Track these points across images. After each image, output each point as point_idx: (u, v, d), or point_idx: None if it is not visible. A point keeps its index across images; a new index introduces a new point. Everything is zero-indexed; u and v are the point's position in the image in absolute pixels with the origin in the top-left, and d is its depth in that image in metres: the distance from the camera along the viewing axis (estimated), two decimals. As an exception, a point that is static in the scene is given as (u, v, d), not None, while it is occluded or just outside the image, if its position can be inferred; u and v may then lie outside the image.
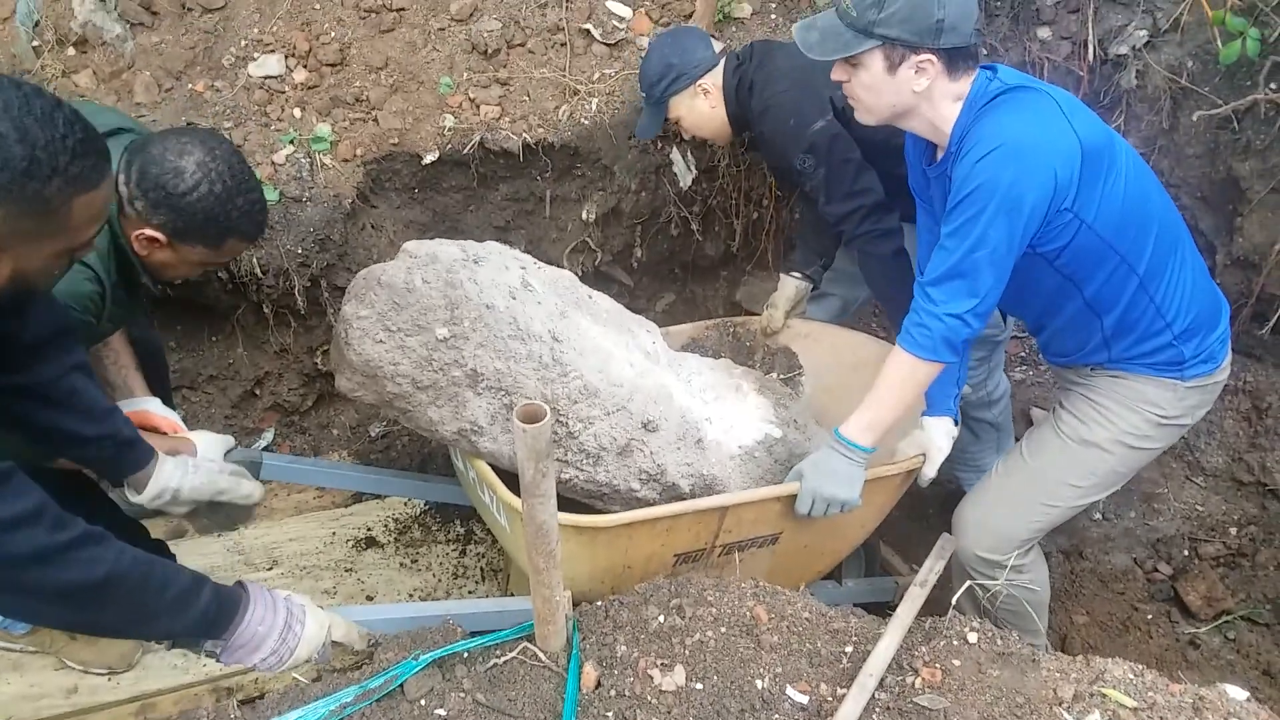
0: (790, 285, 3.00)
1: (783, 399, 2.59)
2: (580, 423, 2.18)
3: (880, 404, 2.23)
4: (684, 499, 2.29)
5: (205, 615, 1.66)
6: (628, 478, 2.25)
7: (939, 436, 2.44)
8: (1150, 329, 2.27)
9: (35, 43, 3.00)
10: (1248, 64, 3.21)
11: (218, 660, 1.76)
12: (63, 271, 1.55)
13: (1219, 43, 3.21)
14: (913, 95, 2.09)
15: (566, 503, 2.11)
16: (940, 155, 2.21)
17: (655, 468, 2.25)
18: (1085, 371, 2.41)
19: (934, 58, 2.04)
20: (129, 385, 2.32)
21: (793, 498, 2.26)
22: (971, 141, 2.05)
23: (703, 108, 2.85)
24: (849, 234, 2.72)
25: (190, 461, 2.11)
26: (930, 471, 2.45)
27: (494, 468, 2.21)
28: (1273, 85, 3.22)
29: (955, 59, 2.07)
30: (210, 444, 2.23)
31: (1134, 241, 2.17)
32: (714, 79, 2.82)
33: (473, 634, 2.00)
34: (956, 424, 2.52)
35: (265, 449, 3.29)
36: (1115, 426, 2.37)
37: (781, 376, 2.82)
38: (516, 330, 2.14)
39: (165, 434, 2.22)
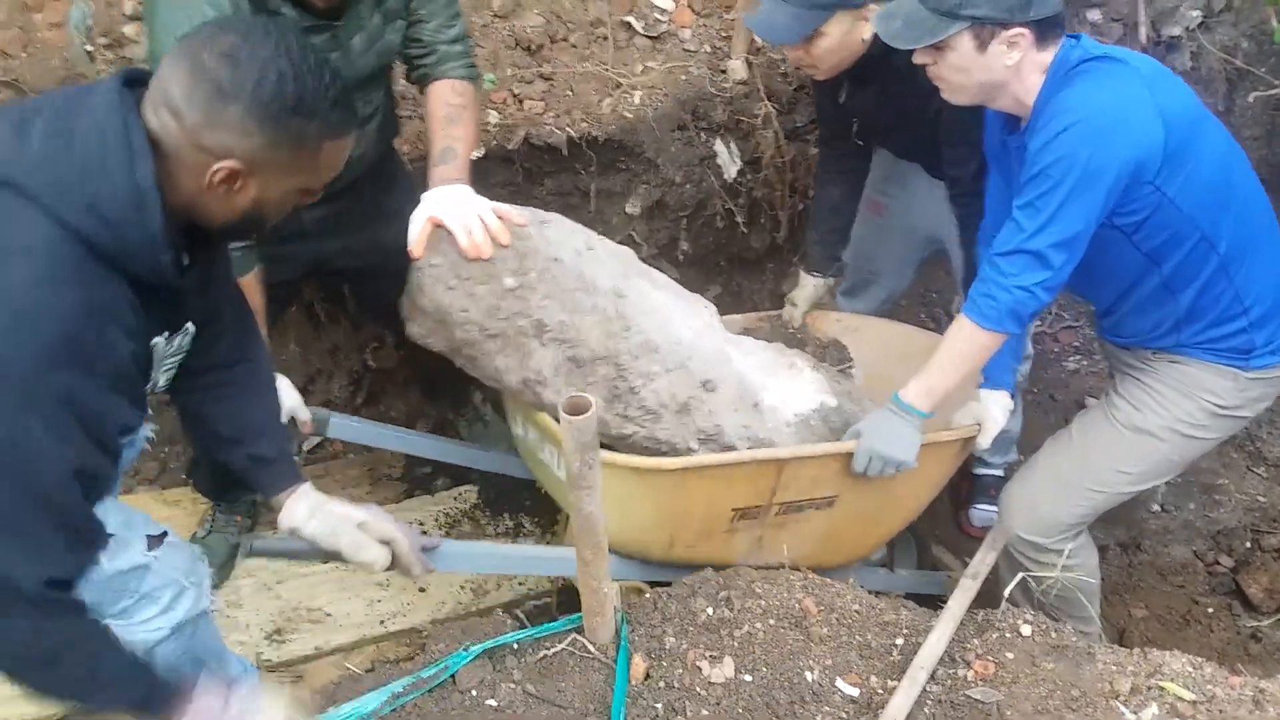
0: (810, 284, 2.96)
1: (837, 377, 2.59)
2: (641, 378, 2.18)
3: (940, 371, 2.22)
4: None
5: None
6: (686, 437, 2.24)
7: (995, 409, 2.40)
8: (1226, 313, 2.22)
9: (89, 47, 3.07)
10: (1306, 43, 3.15)
11: None
12: (287, 212, 1.62)
13: (1275, 21, 3.14)
14: (1004, 70, 2.05)
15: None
16: (1023, 125, 2.16)
17: (713, 427, 2.25)
18: (1146, 355, 2.36)
19: (1025, 30, 2.00)
20: None
21: (850, 456, 2.25)
22: (1050, 114, 2.02)
23: (856, 37, 2.50)
24: (969, 182, 2.62)
25: (325, 506, 1.90)
26: (985, 441, 2.41)
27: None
28: (1333, 64, 3.14)
29: (1045, 29, 2.03)
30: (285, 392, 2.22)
31: (1216, 220, 2.12)
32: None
33: (521, 627, 2.02)
34: (1013, 398, 2.48)
35: (317, 445, 3.33)
36: (1169, 414, 2.31)
37: (834, 368, 2.80)
38: (582, 283, 2.18)
39: None
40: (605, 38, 3.31)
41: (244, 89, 1.40)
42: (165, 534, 1.90)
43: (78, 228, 1.35)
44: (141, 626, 1.92)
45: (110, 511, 1.68)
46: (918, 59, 2.11)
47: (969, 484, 3.30)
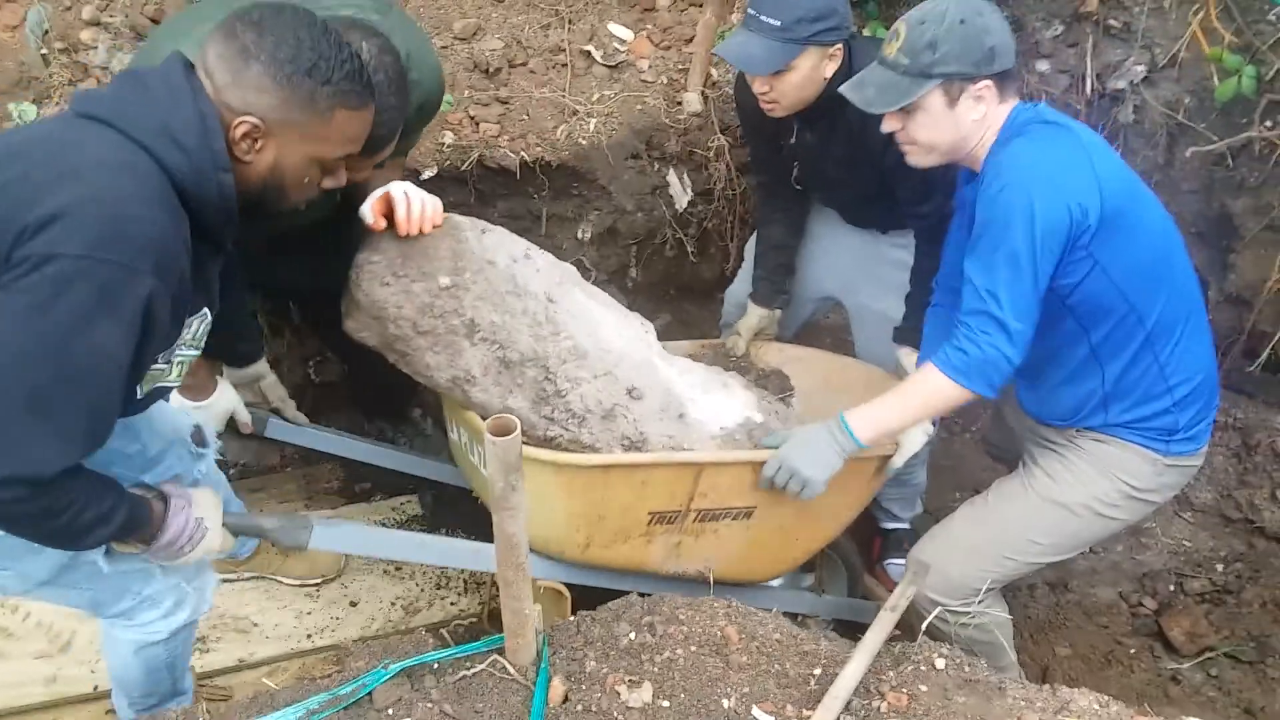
0: (755, 314, 3.01)
1: (769, 399, 2.61)
2: (569, 382, 2.23)
3: (895, 411, 2.24)
4: None
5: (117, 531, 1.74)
6: (610, 442, 2.27)
7: (916, 431, 2.44)
8: (1151, 390, 2.26)
9: (44, 51, 3.06)
10: (1243, 101, 3.23)
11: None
12: (308, 191, 1.74)
13: (1215, 80, 3.23)
14: (971, 125, 2.12)
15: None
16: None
17: (638, 435, 2.28)
18: (1070, 433, 2.39)
19: (990, 83, 2.08)
20: None
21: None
22: (994, 170, 2.09)
23: (823, 73, 2.55)
24: (934, 226, 2.66)
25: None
26: (898, 461, 2.46)
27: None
28: (1268, 123, 3.23)
29: (1005, 81, 2.12)
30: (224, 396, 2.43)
31: (1147, 294, 2.16)
32: (841, 47, 2.58)
33: (444, 647, 2.02)
34: (934, 425, 2.52)
35: (255, 460, 3.31)
36: (1086, 490, 2.35)
37: (774, 396, 2.84)
38: (515, 287, 2.25)
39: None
40: (564, 65, 3.36)
41: (264, 49, 1.59)
42: None
43: (159, 153, 1.54)
44: (141, 629, 2.02)
45: None
46: (887, 126, 2.16)
47: (879, 539, 3.33)
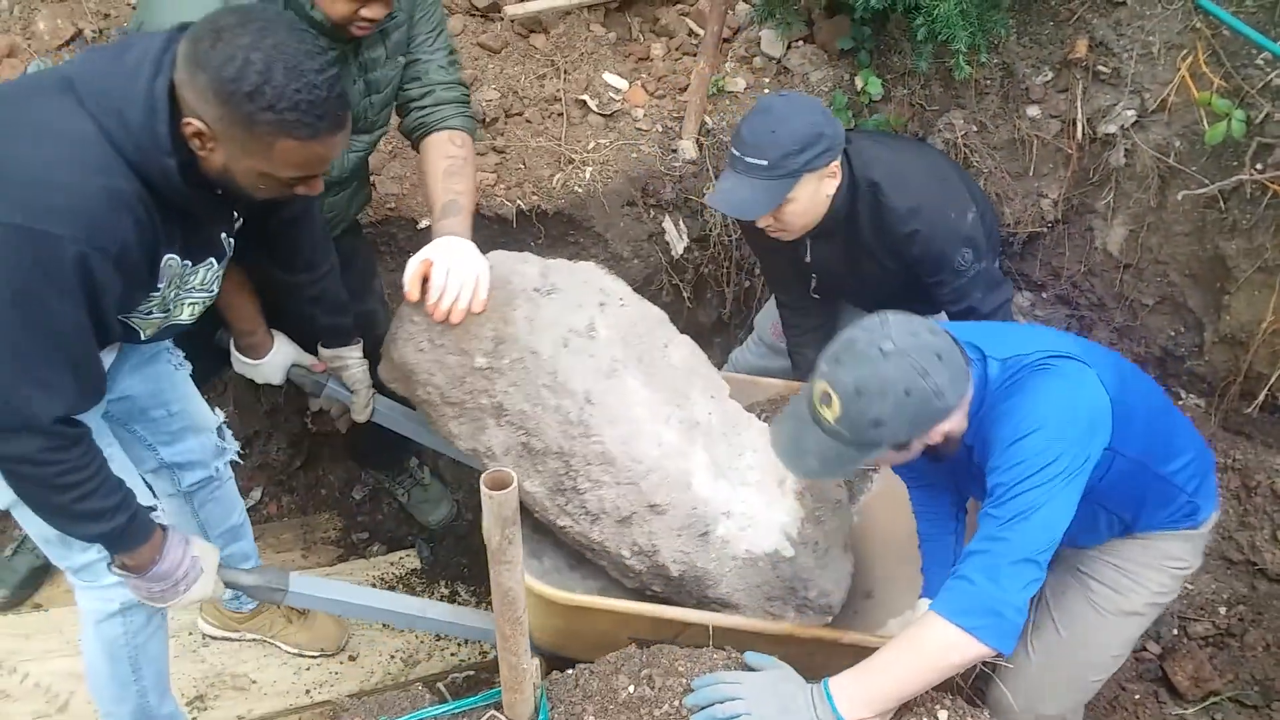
0: None
1: (821, 510, 2.42)
2: (589, 482, 2.17)
3: (898, 678, 1.83)
4: (669, 580, 2.27)
5: (114, 533, 1.86)
6: (620, 545, 2.22)
7: None
8: (1165, 495, 2.22)
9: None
10: (1234, 144, 3.26)
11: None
12: (275, 193, 1.75)
13: (1205, 123, 3.26)
14: (941, 435, 1.93)
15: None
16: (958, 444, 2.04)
17: (650, 545, 2.21)
18: (1112, 544, 2.33)
19: (954, 419, 1.91)
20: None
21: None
22: (1005, 425, 1.91)
23: (824, 193, 2.45)
24: (979, 314, 2.60)
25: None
26: None
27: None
28: (1258, 166, 3.25)
29: (966, 394, 1.94)
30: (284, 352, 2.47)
31: (1126, 440, 2.04)
32: (838, 162, 2.47)
33: (441, 701, 2.00)
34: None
35: (252, 508, 3.30)
36: (1147, 589, 2.31)
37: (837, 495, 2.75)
38: (553, 381, 2.17)
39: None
40: (560, 114, 3.39)
41: (212, 63, 1.57)
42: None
43: (108, 129, 1.59)
44: (99, 593, 2.07)
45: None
46: None
47: None
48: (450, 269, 2.11)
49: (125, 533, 1.86)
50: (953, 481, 2.35)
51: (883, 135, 3.25)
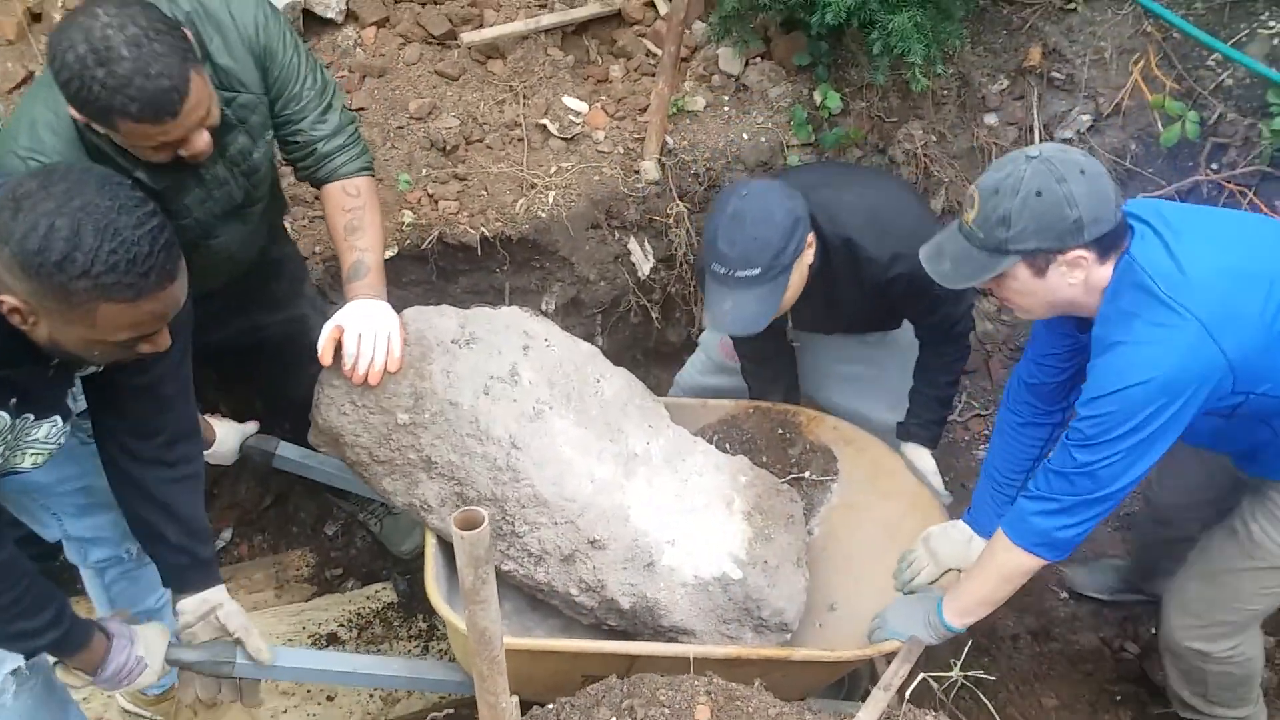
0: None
1: (771, 527, 2.44)
2: (526, 525, 2.19)
3: (984, 593, 2.25)
4: (622, 613, 2.28)
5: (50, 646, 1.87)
6: (567, 583, 2.24)
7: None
8: None
9: None
10: (1189, 145, 3.31)
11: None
12: (118, 355, 1.67)
13: (1160, 125, 3.31)
14: (1070, 289, 1.97)
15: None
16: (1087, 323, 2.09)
17: (596, 581, 2.24)
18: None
19: (1084, 252, 1.91)
20: None
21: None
22: (1108, 373, 1.96)
23: (805, 265, 2.38)
24: (944, 329, 2.63)
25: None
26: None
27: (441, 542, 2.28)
28: (1214, 166, 3.31)
29: (1105, 245, 1.93)
30: (229, 433, 2.48)
31: None
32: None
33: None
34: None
35: (223, 549, 3.25)
36: None
37: (814, 477, 2.77)
38: (476, 430, 2.19)
39: None
40: (520, 139, 3.37)
41: (13, 236, 1.46)
42: None
43: None
44: None
45: None
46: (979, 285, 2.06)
47: None
48: (361, 333, 2.13)
49: (62, 644, 1.87)
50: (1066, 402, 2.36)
51: (828, 171, 3.15)
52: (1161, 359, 1.90)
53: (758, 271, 2.27)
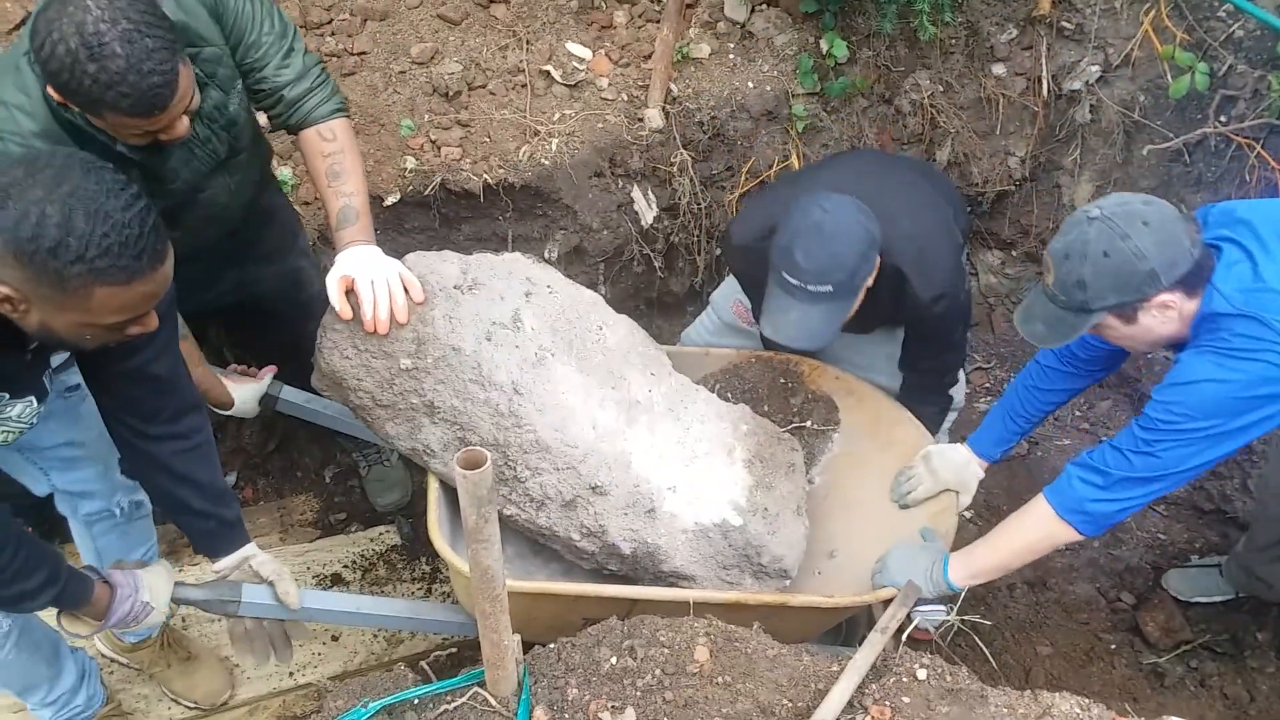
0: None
1: (771, 476, 2.47)
2: (528, 470, 2.20)
3: (1002, 556, 2.28)
4: (623, 558, 2.31)
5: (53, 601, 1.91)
6: (569, 528, 2.26)
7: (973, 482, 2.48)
8: None
9: None
10: (1198, 97, 3.28)
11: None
12: (106, 339, 1.67)
13: (1169, 77, 3.28)
14: (1164, 327, 2.02)
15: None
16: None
17: (597, 526, 2.26)
18: None
19: (1169, 295, 1.95)
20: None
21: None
22: (1201, 356, 1.98)
23: (868, 285, 2.40)
24: (930, 382, 2.70)
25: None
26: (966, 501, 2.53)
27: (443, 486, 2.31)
28: (1222, 118, 3.28)
29: (1190, 283, 1.96)
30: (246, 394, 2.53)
31: None
32: None
33: (425, 681, 2.01)
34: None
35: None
36: None
37: (815, 426, 2.78)
38: (478, 375, 2.19)
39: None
40: (524, 85, 3.35)
41: (5, 225, 1.46)
42: None
43: None
44: None
45: None
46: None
47: None
48: (373, 280, 2.12)
49: (61, 600, 1.91)
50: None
51: (866, 165, 2.94)
52: (1247, 369, 1.93)
53: (830, 289, 2.27)
